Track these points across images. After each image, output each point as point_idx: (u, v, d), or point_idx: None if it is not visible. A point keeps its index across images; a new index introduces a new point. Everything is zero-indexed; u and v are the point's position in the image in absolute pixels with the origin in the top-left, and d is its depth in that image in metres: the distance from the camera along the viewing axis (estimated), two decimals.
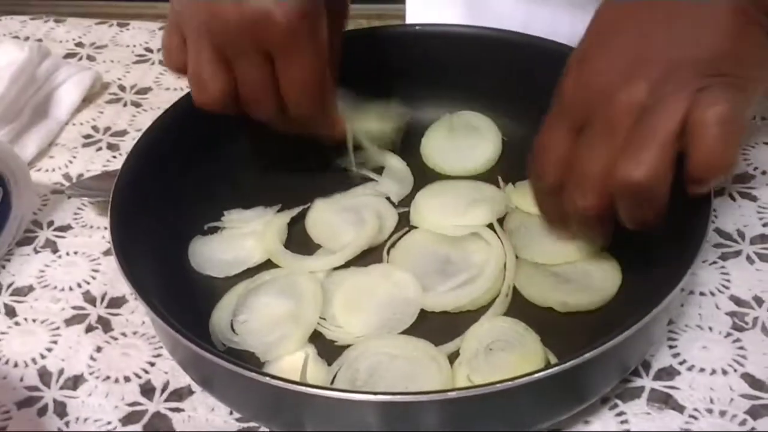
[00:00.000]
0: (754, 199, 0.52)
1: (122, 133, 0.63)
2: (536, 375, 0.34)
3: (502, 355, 0.42)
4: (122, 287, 0.50)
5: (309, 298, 0.46)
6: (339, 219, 0.51)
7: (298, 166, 0.54)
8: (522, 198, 0.50)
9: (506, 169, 0.53)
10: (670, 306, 0.41)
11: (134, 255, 0.43)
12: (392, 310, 0.45)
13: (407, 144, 0.55)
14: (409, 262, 0.48)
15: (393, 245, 0.49)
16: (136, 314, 0.48)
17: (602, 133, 0.38)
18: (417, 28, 0.58)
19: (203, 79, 0.44)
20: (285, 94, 0.45)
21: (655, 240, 0.43)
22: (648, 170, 0.37)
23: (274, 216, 0.51)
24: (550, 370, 0.34)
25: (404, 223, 0.51)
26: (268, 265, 0.49)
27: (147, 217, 0.47)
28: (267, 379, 0.36)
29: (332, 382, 0.41)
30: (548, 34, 0.53)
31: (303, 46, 0.43)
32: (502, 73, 0.54)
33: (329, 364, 0.43)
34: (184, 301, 0.46)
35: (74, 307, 0.49)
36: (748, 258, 0.49)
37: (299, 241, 0.50)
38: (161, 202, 0.49)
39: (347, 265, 0.48)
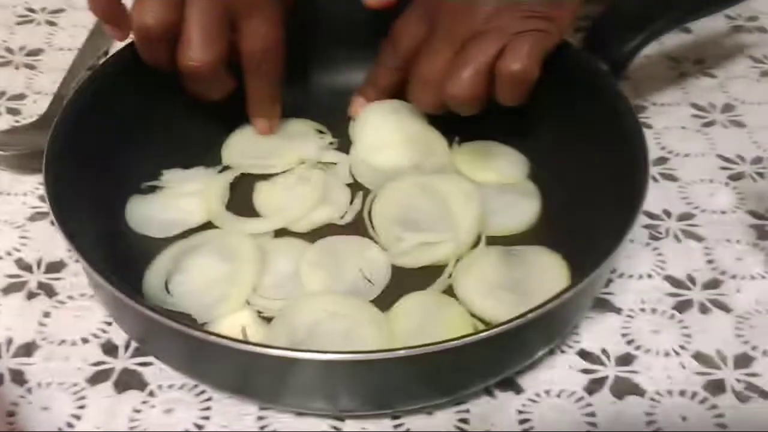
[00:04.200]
0: (648, 126, 0.58)
1: (20, 96, 0.59)
2: (464, 339, 0.35)
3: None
4: (58, 252, 0.48)
5: (247, 259, 0.45)
6: (284, 193, 0.50)
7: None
8: (465, 163, 0.52)
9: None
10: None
11: (70, 214, 0.41)
12: (362, 276, 0.45)
13: None
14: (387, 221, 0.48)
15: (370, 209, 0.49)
16: (81, 276, 0.46)
17: (443, 40, 0.48)
18: None
19: (211, 38, 0.45)
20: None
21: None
22: (463, 87, 0.46)
23: (216, 176, 0.51)
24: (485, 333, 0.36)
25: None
26: (207, 226, 0.48)
27: (81, 175, 0.45)
28: (201, 335, 0.36)
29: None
30: None
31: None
32: None
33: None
34: (121, 262, 0.44)
35: (9, 276, 0.46)
36: (653, 178, 0.54)
37: (240, 203, 0.50)
38: (96, 160, 0.47)
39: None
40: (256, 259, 0.45)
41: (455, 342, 0.35)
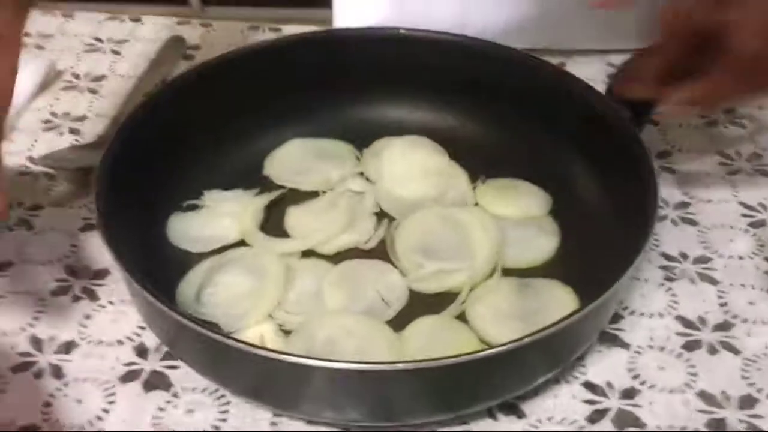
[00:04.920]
0: (673, 171, 0.59)
1: (82, 118, 0.64)
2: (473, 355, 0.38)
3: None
4: (103, 260, 0.52)
5: (274, 276, 0.48)
6: (313, 217, 0.53)
7: None
8: (488, 197, 0.54)
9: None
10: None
11: (115, 226, 0.45)
12: (379, 297, 0.48)
13: None
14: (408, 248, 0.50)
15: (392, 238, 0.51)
16: (121, 284, 0.50)
17: None
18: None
19: None
20: None
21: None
22: None
23: (252, 198, 0.54)
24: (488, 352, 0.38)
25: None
26: (241, 244, 0.52)
27: (129, 191, 0.49)
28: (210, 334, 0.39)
29: None
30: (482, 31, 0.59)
31: None
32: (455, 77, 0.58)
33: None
34: (159, 273, 0.47)
35: (58, 280, 0.50)
36: (673, 221, 0.56)
37: (272, 225, 0.53)
38: (143, 178, 0.51)
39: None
40: (282, 277, 0.48)
41: (454, 359, 0.37)
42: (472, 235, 0.51)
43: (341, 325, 0.45)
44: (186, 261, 0.50)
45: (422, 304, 0.48)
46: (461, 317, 0.47)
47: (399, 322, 0.46)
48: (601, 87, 0.54)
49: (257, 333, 0.45)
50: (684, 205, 0.57)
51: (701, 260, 0.53)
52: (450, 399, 0.40)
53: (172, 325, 0.42)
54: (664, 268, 0.52)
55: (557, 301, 0.47)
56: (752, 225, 0.55)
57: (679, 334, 0.48)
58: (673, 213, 0.56)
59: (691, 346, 0.47)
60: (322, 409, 0.41)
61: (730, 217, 0.56)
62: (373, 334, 0.45)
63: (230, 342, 0.39)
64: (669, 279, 0.51)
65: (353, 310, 0.47)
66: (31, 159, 0.59)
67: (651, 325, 0.48)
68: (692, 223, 0.55)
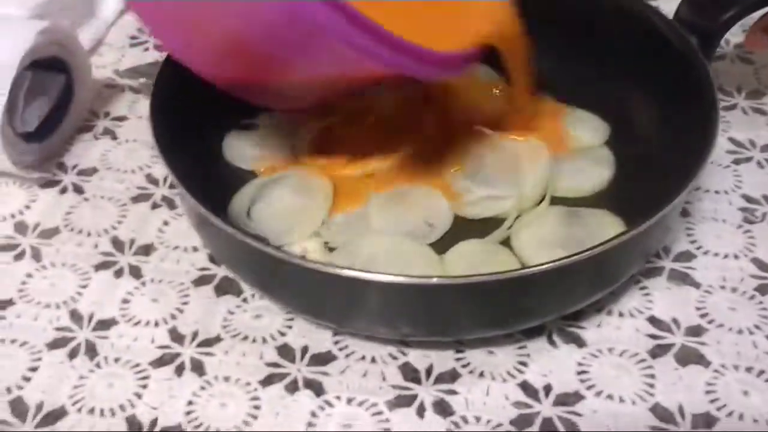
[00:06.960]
0: (764, 113, 0.57)
1: None
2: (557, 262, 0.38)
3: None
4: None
5: (321, 194, 0.49)
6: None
7: None
8: None
9: None
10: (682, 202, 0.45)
11: (171, 142, 0.44)
12: (424, 221, 0.48)
13: None
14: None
15: None
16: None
17: None
18: None
19: None
20: None
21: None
22: None
23: (308, 120, 0.54)
24: (578, 257, 0.38)
25: None
26: (294, 163, 0.51)
27: (186, 107, 0.48)
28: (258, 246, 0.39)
29: None
30: None
31: None
32: None
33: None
34: (214, 190, 0.47)
35: (139, 187, 0.52)
36: (759, 163, 0.53)
37: (327, 146, 0.52)
38: (201, 96, 0.49)
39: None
40: (330, 195, 0.49)
41: (492, 276, 0.37)
42: (522, 162, 0.50)
43: (383, 244, 0.46)
44: (240, 179, 0.51)
45: (467, 229, 0.48)
46: (506, 244, 0.47)
47: (442, 246, 0.46)
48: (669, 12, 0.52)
49: (302, 248, 0.46)
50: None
51: None
52: (492, 316, 0.41)
53: (221, 237, 0.42)
54: (744, 210, 0.50)
55: (605, 231, 0.45)
56: None
57: (753, 276, 0.47)
58: (760, 155, 0.54)
59: (765, 289, 0.46)
60: (373, 324, 0.42)
61: None
62: (415, 254, 0.45)
63: (271, 251, 0.39)
64: (748, 221, 0.50)
65: (397, 232, 0.47)
66: (117, 72, 0.61)
67: (725, 265, 0.47)
68: (762, 113, 0.53)
